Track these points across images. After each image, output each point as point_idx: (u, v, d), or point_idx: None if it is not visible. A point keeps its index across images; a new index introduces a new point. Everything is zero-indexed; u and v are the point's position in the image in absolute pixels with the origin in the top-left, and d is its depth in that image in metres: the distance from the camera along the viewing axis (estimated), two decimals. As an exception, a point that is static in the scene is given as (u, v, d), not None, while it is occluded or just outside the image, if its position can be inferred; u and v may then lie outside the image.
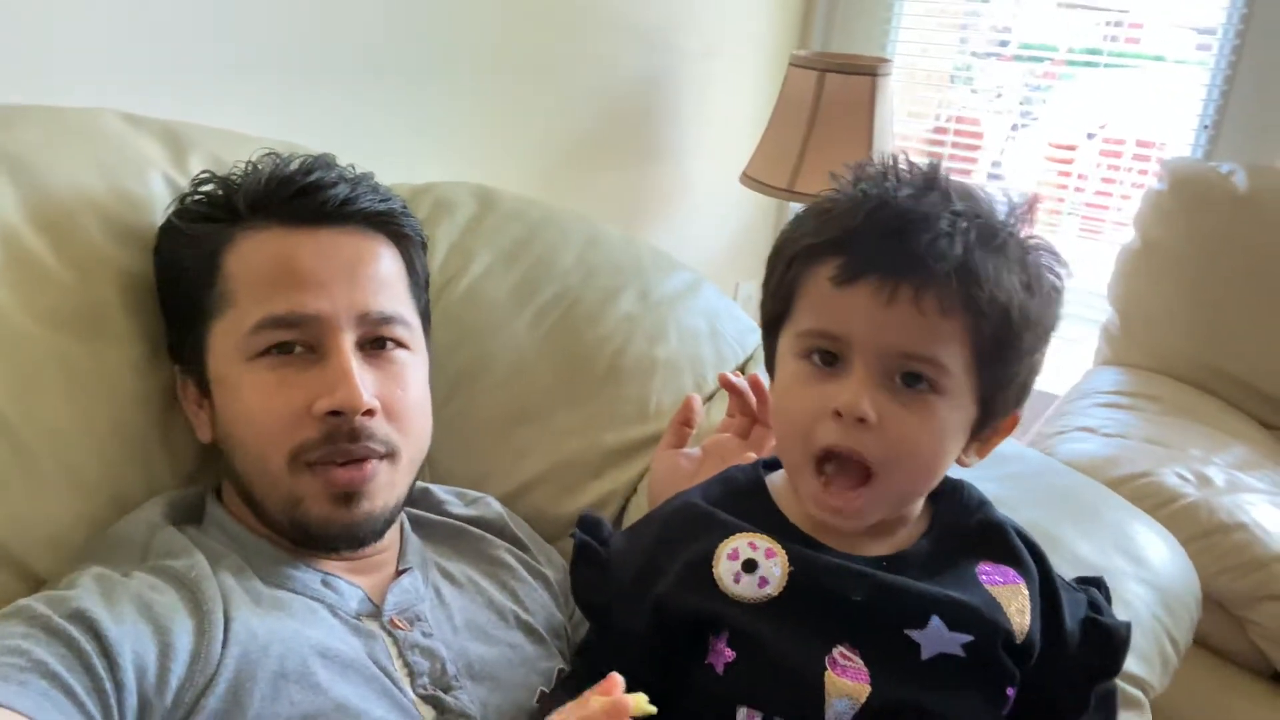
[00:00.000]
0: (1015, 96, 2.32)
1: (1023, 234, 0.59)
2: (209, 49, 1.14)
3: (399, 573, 0.75)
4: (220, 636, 0.61)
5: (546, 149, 1.72)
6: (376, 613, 0.71)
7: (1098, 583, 0.68)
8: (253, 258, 0.70)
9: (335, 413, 0.67)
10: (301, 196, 0.71)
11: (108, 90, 0.98)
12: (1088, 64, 2.18)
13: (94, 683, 0.55)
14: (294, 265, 0.69)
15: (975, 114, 2.38)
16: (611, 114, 1.83)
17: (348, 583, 0.71)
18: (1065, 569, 0.76)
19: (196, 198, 0.75)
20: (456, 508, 0.85)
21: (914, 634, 0.57)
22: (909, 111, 2.39)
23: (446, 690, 0.68)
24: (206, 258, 0.71)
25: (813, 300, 0.59)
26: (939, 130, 2.37)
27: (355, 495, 0.68)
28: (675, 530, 0.64)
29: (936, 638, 0.57)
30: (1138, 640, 0.80)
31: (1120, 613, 0.76)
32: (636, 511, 0.91)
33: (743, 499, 0.65)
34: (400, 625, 0.70)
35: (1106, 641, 0.63)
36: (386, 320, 0.72)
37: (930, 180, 0.59)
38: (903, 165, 0.60)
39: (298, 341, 0.69)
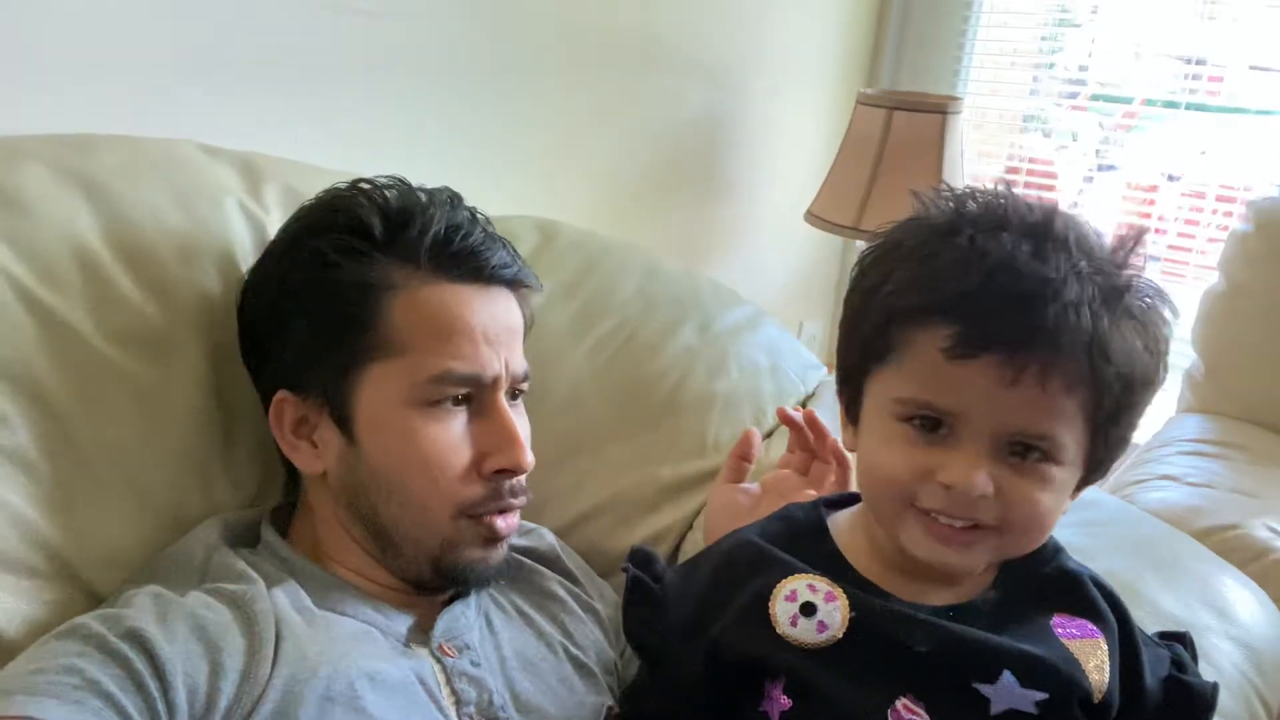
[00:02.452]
0: (1090, 143, 2.27)
1: (1133, 277, 0.55)
2: (279, 83, 1.18)
3: (451, 598, 0.75)
4: (270, 656, 0.61)
5: (612, 185, 1.73)
6: (426, 639, 0.70)
7: (1182, 639, 0.64)
8: (426, 311, 0.70)
9: (502, 470, 0.71)
10: (473, 257, 0.73)
11: (181, 116, 1.02)
12: (1166, 110, 2.12)
13: (146, 702, 0.56)
14: (471, 323, 0.71)
15: (1049, 156, 2.33)
16: (678, 150, 1.84)
17: (398, 610, 0.71)
18: (1147, 623, 0.71)
19: (335, 227, 0.72)
20: (511, 539, 0.84)
21: (983, 688, 0.54)
22: (980, 151, 2.35)
23: None
24: (364, 299, 0.70)
25: (919, 369, 0.54)
26: (1011, 171, 2.33)
27: (503, 538, 0.74)
28: (732, 569, 0.62)
29: (1007, 693, 0.54)
30: (1226, 702, 0.75)
31: (1206, 670, 0.72)
32: (693, 547, 0.89)
33: (803, 539, 0.62)
34: (449, 652, 0.70)
35: (1190, 703, 0.60)
36: (526, 377, 0.77)
37: (1047, 228, 0.54)
38: (1018, 206, 0.55)
39: (462, 395, 0.71)
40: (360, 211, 0.72)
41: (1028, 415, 0.53)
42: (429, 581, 0.73)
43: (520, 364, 0.75)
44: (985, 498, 0.53)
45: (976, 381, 0.52)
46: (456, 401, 0.71)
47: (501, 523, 0.73)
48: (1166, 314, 0.56)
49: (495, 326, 0.72)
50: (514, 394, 0.76)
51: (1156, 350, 0.55)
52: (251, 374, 0.77)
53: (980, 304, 0.52)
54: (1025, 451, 0.54)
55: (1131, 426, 0.57)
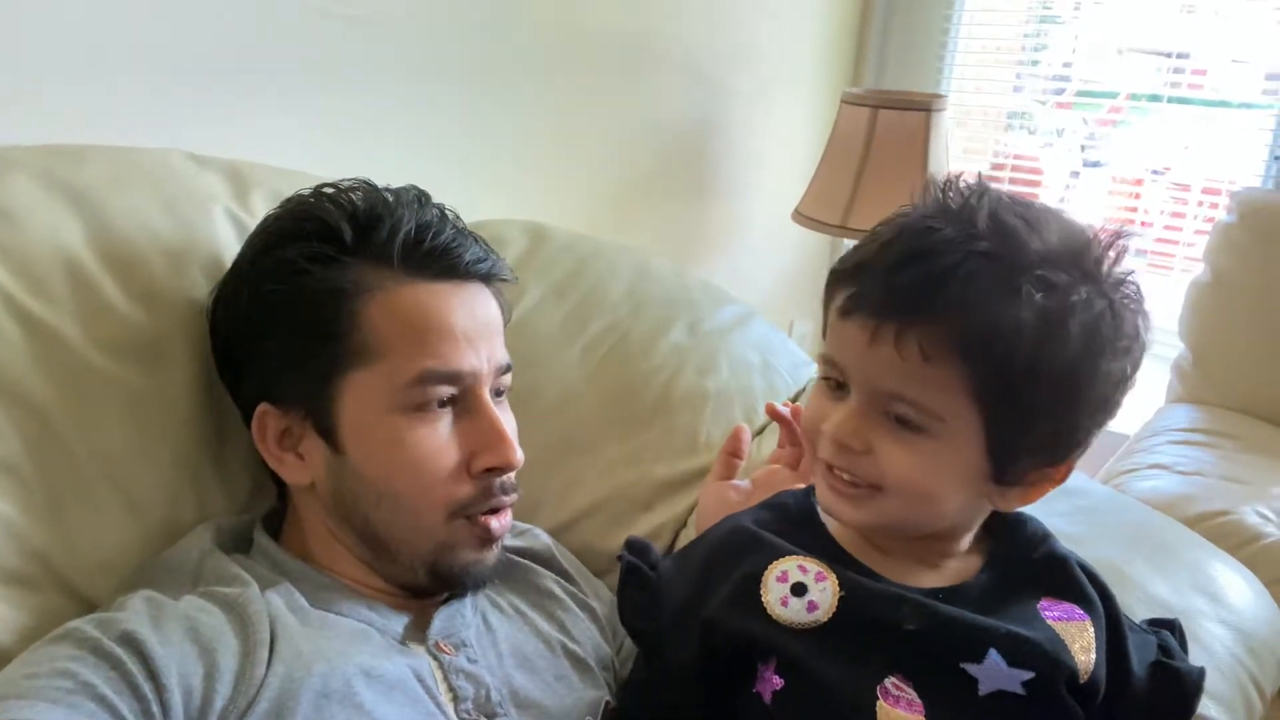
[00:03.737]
0: (1075, 139, 2.28)
1: (1101, 272, 0.54)
2: (273, 88, 1.18)
3: (447, 597, 0.75)
4: (265, 657, 0.61)
5: (601, 186, 1.74)
6: (422, 638, 0.70)
7: (1171, 626, 0.65)
8: (402, 312, 0.70)
9: (491, 468, 0.71)
10: (445, 255, 0.72)
11: (174, 122, 1.02)
12: (1149, 105, 2.13)
13: (140, 705, 0.55)
14: (449, 322, 0.70)
15: (1034, 153, 2.34)
16: (666, 151, 1.85)
17: (394, 610, 0.71)
18: (1139, 609, 0.72)
19: (303, 235, 0.71)
20: (505, 539, 0.84)
21: (970, 668, 0.55)
22: (965, 149, 2.36)
23: (491, 717, 0.67)
24: (338, 305, 0.69)
25: (829, 326, 0.60)
26: (997, 167, 2.34)
27: (497, 539, 0.74)
28: (724, 553, 0.62)
29: (995, 673, 0.55)
30: (1218, 685, 0.75)
31: (1199, 655, 0.72)
32: (686, 544, 0.89)
33: (794, 524, 0.63)
34: (445, 650, 0.70)
35: (1176, 687, 0.60)
36: (508, 370, 0.76)
37: (963, 208, 0.55)
38: (957, 187, 0.57)
39: (447, 396, 0.71)
40: (328, 217, 0.71)
41: (889, 376, 0.55)
42: (425, 586, 0.73)
43: (502, 358, 0.74)
44: (855, 453, 0.56)
45: (850, 339, 0.56)
46: (441, 404, 0.70)
47: (495, 523, 0.73)
48: (1124, 313, 0.54)
49: (473, 323, 0.72)
50: (497, 391, 0.75)
51: (1069, 343, 0.52)
52: (230, 389, 0.77)
53: (867, 269, 0.56)
54: (905, 420, 0.55)
55: (1039, 422, 0.55)
